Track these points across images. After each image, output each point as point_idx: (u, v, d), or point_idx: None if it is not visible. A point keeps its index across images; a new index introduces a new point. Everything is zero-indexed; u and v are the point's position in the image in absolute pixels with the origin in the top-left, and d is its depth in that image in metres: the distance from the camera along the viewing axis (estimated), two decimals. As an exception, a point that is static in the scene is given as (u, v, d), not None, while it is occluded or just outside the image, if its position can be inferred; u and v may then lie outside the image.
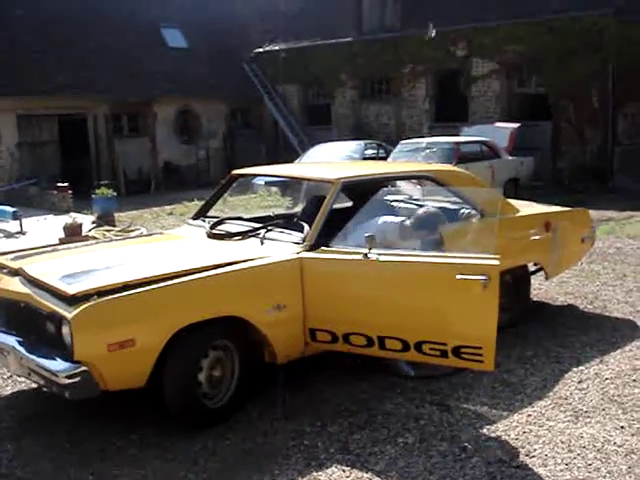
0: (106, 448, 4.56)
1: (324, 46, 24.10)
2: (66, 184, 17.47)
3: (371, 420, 4.83)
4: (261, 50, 26.43)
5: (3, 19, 21.17)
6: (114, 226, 14.33)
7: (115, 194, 15.51)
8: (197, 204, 14.25)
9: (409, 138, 17.83)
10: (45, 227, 14.58)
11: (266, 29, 26.45)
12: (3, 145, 20.26)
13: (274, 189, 17.29)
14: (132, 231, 13.08)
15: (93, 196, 15.17)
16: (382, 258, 4.80)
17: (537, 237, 6.69)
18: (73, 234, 12.16)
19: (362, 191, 6.26)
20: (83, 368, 4.22)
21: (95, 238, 11.72)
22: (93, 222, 14.44)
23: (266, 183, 16.90)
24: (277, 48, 25.96)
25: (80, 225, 12.80)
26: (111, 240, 7.52)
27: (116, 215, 15.16)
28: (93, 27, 22.83)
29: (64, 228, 12.57)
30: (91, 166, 22.04)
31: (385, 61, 22.74)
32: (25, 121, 20.60)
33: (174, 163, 23.94)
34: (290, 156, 20.56)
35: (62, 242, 10.73)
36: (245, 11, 27.17)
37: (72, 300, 4.33)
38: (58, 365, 4.28)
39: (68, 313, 4.24)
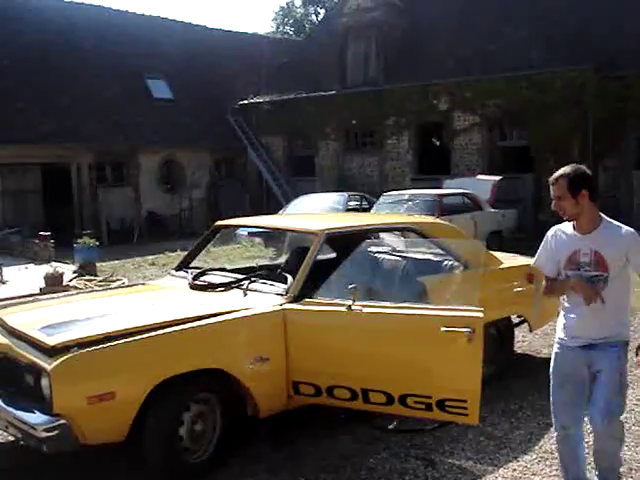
0: (84, 505, 4.45)
1: (308, 98, 24.36)
2: (48, 233, 17.35)
3: (355, 476, 4.75)
4: (245, 102, 26.68)
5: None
6: (96, 276, 14.21)
7: (97, 244, 15.40)
8: (180, 254, 14.20)
9: (392, 190, 17.93)
10: (26, 276, 14.44)
11: (250, 81, 26.76)
12: (-15, 194, 20.19)
13: (257, 240, 17.26)
14: (114, 281, 12.97)
15: (75, 245, 15.07)
16: (366, 310, 4.78)
17: (520, 289, 6.69)
18: (54, 284, 12.05)
19: (345, 243, 6.25)
20: (62, 421, 4.14)
21: (76, 288, 11.62)
22: (74, 272, 14.31)
23: (249, 234, 16.87)
24: (261, 100, 26.23)
25: (61, 275, 12.70)
26: (92, 290, 7.46)
27: (98, 265, 15.04)
28: (78, 76, 22.98)
29: (45, 278, 12.46)
30: (74, 215, 21.97)
31: (368, 114, 23.01)
32: (8, 170, 20.56)
33: (157, 213, 23.92)
34: (274, 207, 20.62)
35: (43, 292, 10.65)
36: (230, 63, 27.51)
37: (52, 351, 4.27)
38: (36, 418, 4.20)
39: (48, 365, 4.17)
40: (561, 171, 3.93)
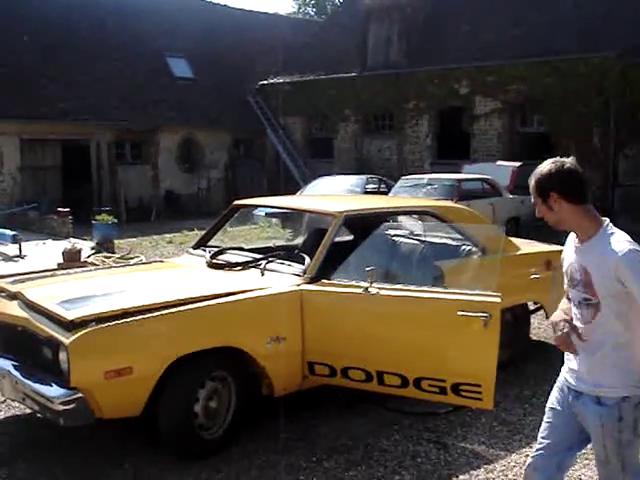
0: (98, 478, 4.50)
1: (328, 80, 24.28)
2: (66, 209, 17.47)
3: (367, 457, 4.77)
4: (265, 82, 26.62)
5: (10, 45, 21.33)
6: (113, 253, 14.30)
7: (115, 221, 15.51)
8: (197, 233, 14.24)
9: (410, 174, 17.87)
10: (44, 252, 14.55)
11: (271, 62, 26.69)
12: (5, 168, 20.30)
13: (274, 220, 17.28)
14: (131, 258, 13.03)
15: (93, 222, 15.16)
16: (383, 292, 4.78)
17: (538, 276, 6.67)
18: (72, 259, 12.12)
19: (363, 225, 6.25)
20: (79, 395, 4.19)
21: (94, 264, 11.68)
22: (92, 248, 14.40)
23: (267, 214, 16.87)
24: (281, 81, 26.17)
25: (79, 251, 12.77)
26: (110, 267, 7.51)
27: (116, 242, 15.14)
28: (99, 55, 23.03)
29: (63, 253, 12.54)
30: (92, 192, 22.06)
31: (388, 97, 22.90)
32: (28, 145, 20.67)
33: (175, 192, 23.98)
34: (291, 188, 20.62)
35: (61, 267, 10.71)
36: (250, 43, 27.44)
37: (70, 326, 4.30)
38: (53, 391, 4.24)
39: (66, 339, 4.21)
40: (534, 172, 3.18)
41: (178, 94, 24.44)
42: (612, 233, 3.03)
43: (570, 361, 3.22)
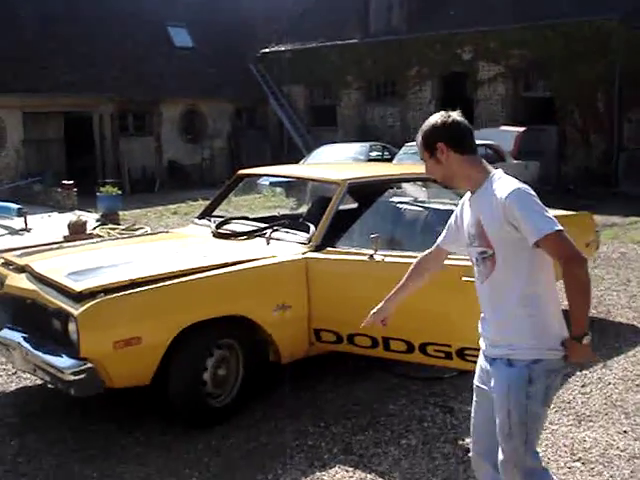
0: (110, 446, 4.57)
1: (330, 47, 24.13)
2: (71, 182, 17.50)
3: (374, 421, 4.84)
4: (267, 50, 26.46)
5: (10, 18, 21.21)
6: (118, 224, 14.35)
7: (120, 192, 15.54)
8: (201, 204, 14.26)
9: (414, 140, 17.79)
10: (50, 224, 14.60)
11: (272, 29, 26.50)
12: (9, 142, 20.29)
13: (278, 190, 17.29)
14: (137, 230, 13.09)
15: (98, 194, 15.21)
16: (387, 259, 4.82)
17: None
18: (78, 232, 12.19)
19: (367, 193, 6.27)
20: (89, 365, 4.24)
21: (99, 236, 11.74)
22: (97, 220, 14.46)
23: (270, 183, 16.89)
24: (283, 49, 26.01)
25: (85, 223, 12.83)
26: (117, 238, 7.55)
27: (120, 213, 15.18)
28: (100, 26, 22.87)
29: (69, 226, 12.60)
30: (96, 164, 22.07)
31: (391, 63, 22.76)
32: (31, 119, 20.63)
33: (179, 162, 23.97)
34: (295, 157, 20.59)
35: (67, 240, 10.77)
36: (251, 11, 27.21)
37: (79, 297, 4.35)
38: (64, 362, 4.30)
39: (75, 310, 4.26)
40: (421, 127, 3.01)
41: (179, 64, 24.32)
42: (500, 178, 2.86)
43: (483, 326, 3.03)
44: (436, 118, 2.94)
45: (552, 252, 2.73)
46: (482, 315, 3.03)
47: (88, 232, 12.54)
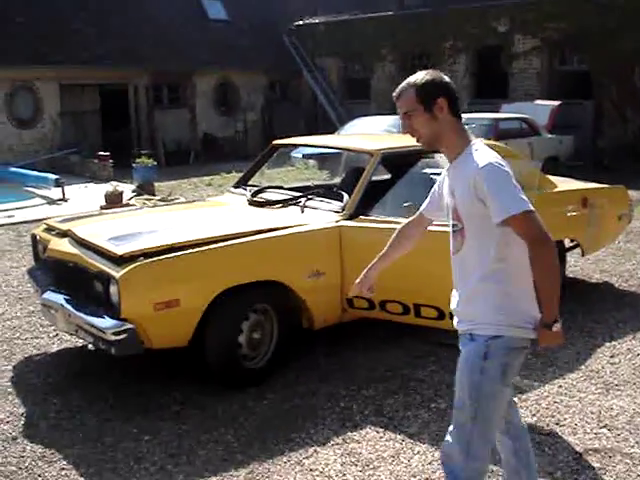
0: (149, 404, 4.75)
1: (364, 20, 24.00)
2: (107, 153, 17.73)
3: (404, 386, 4.95)
4: (301, 23, 26.39)
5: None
6: (154, 195, 14.55)
7: (155, 163, 15.72)
8: (235, 176, 14.38)
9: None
10: (86, 195, 14.86)
11: (306, 1, 26.40)
12: (45, 113, 20.54)
13: (312, 162, 17.34)
14: (172, 200, 13.27)
15: (133, 165, 15.39)
16: (420, 228, 4.89)
17: (574, 213, 6.71)
18: (114, 202, 12.41)
19: (400, 163, 6.33)
20: (129, 326, 4.40)
21: (135, 206, 11.93)
22: (133, 191, 14.66)
23: (304, 156, 16.95)
24: (317, 21, 25.92)
25: (121, 193, 13.05)
26: (155, 205, 7.70)
27: (155, 185, 15.36)
28: (134, -2, 23.00)
29: (105, 196, 12.83)
30: (131, 136, 22.27)
31: (425, 36, 22.60)
32: (67, 91, 20.85)
33: (213, 135, 24.09)
34: (328, 129, 20.58)
35: (104, 209, 10.98)
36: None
37: (120, 260, 4.50)
38: (105, 322, 4.46)
39: (116, 273, 4.41)
40: (407, 80, 2.82)
41: (213, 36, 24.37)
42: (478, 149, 2.74)
43: (453, 301, 2.97)
44: (432, 74, 2.79)
45: (519, 233, 2.63)
46: (454, 289, 2.97)
47: (124, 202, 12.76)
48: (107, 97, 21.60)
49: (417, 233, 3.38)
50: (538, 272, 2.62)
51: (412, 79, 2.78)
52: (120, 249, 4.56)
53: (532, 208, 2.58)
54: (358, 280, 3.44)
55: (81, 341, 5.76)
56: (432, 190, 3.15)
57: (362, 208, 5.33)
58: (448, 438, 2.88)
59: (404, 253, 3.45)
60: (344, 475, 3.86)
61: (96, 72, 20.88)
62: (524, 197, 2.59)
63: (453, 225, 2.85)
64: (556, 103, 17.74)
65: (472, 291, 2.80)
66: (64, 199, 14.19)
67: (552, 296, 2.63)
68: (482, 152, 2.71)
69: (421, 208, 3.26)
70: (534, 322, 2.73)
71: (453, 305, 2.96)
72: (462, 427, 2.80)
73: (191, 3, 24.85)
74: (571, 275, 7.65)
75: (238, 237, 4.84)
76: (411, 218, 3.35)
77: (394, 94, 2.81)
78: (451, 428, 2.88)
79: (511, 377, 2.79)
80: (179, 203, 7.73)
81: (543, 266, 2.60)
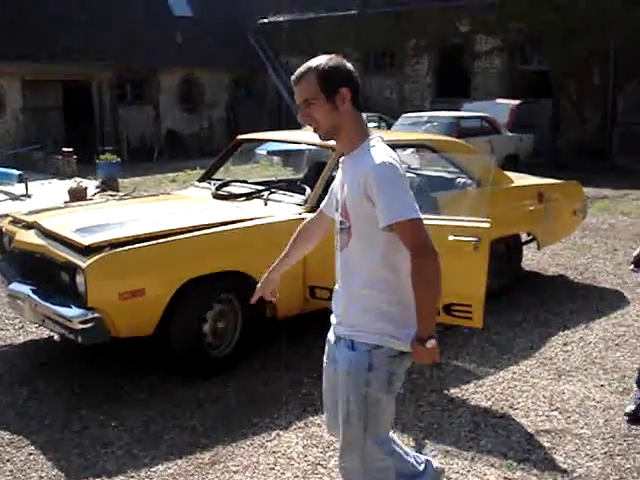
0: (115, 392, 4.84)
1: (328, 18, 24.18)
2: (70, 149, 17.67)
3: (365, 373, 5.10)
4: (266, 21, 26.49)
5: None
6: (118, 191, 14.56)
7: (119, 160, 15.73)
8: (200, 172, 14.42)
9: (411, 112, 18.01)
10: (50, 191, 14.81)
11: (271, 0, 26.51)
12: (8, 110, 20.41)
13: (275, 159, 17.48)
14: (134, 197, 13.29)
15: (97, 161, 15.39)
16: (380, 220, 5.04)
17: (530, 207, 6.93)
18: (78, 198, 12.40)
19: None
20: (96, 315, 4.48)
21: (100, 202, 11.94)
22: (97, 187, 14.67)
23: (268, 152, 17.09)
24: (281, 19, 26.04)
25: (85, 189, 13.05)
26: (121, 199, 7.77)
27: (119, 181, 15.38)
28: (99, -6, 22.92)
29: (69, 192, 12.82)
30: (94, 132, 22.20)
31: (389, 35, 22.83)
32: (30, 86, 20.73)
33: (177, 132, 24.10)
34: (293, 127, 20.71)
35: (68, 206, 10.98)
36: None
37: (86, 251, 4.59)
38: (72, 311, 4.53)
39: (82, 263, 4.50)
40: (308, 64, 2.61)
41: (178, 33, 24.35)
42: (374, 146, 2.56)
43: (334, 300, 2.83)
44: (335, 60, 2.60)
45: (403, 240, 2.48)
46: (336, 287, 2.83)
47: (88, 198, 12.75)
48: (71, 93, 21.50)
49: (319, 232, 3.13)
50: (418, 284, 2.47)
51: (314, 63, 2.58)
52: (86, 240, 4.65)
53: (420, 216, 2.45)
54: (260, 284, 3.21)
55: (47, 333, 5.83)
56: (330, 187, 2.94)
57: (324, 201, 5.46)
58: (343, 459, 2.80)
59: (306, 253, 3.25)
60: (306, 456, 4.00)
61: (59, 68, 20.78)
62: (414, 204, 2.45)
63: (340, 222, 2.65)
64: (516, 102, 18.09)
65: (355, 294, 2.64)
66: (27, 195, 14.13)
67: (430, 310, 2.52)
68: (379, 149, 2.54)
69: (321, 205, 3.06)
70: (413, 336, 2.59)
71: (333, 305, 2.82)
72: (355, 439, 2.70)
73: (157, 0, 24.79)
74: (528, 268, 7.87)
75: (203, 229, 4.95)
76: (312, 216, 3.16)
77: (293, 77, 2.60)
78: (341, 445, 2.79)
79: (397, 385, 2.69)
80: (144, 196, 7.79)
81: (424, 278, 2.46)
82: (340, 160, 2.74)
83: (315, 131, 2.62)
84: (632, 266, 4.30)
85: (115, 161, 15.35)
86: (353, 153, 2.61)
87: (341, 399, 2.68)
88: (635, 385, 4.30)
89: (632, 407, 4.31)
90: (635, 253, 4.28)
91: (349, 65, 2.62)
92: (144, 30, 23.45)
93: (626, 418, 4.29)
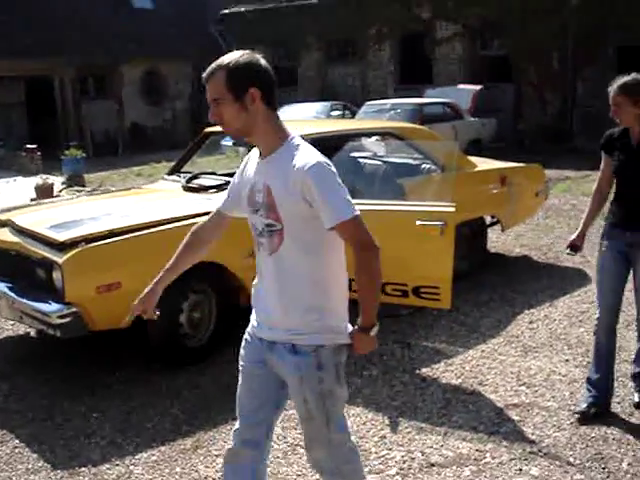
0: (95, 385, 4.93)
1: (289, 8, 24.19)
2: (34, 146, 17.55)
3: (339, 357, 5.25)
4: (227, 11, 26.43)
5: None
6: (84, 187, 14.53)
7: (84, 155, 15.68)
8: (165, 165, 14.48)
9: (374, 99, 18.16)
10: (15, 188, 14.73)
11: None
12: (-31, 107, 20.20)
13: (241, 149, 17.46)
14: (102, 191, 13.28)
15: (62, 157, 15.32)
16: (349, 207, 5.18)
17: (494, 191, 7.12)
18: (45, 195, 12.37)
19: (328, 147, 6.58)
20: (73, 309, 4.57)
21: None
22: (63, 183, 14.62)
23: (234, 143, 17.10)
24: (242, 10, 26.00)
25: (52, 186, 13.02)
26: (92, 194, 7.82)
27: (85, 176, 15.34)
28: (57, -13, 22.69)
29: (36, 189, 12.78)
30: (58, 128, 22.04)
31: (350, 23, 22.91)
32: (-10, 83, 20.55)
33: (141, 125, 24.01)
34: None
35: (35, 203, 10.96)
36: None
37: (62, 247, 4.67)
38: (50, 307, 4.62)
39: (59, 258, 4.58)
40: (218, 61, 2.50)
41: (139, 25, 24.24)
42: (299, 145, 2.52)
43: (259, 303, 2.74)
44: (246, 57, 2.49)
45: (347, 237, 2.51)
46: (257, 288, 2.76)
47: (55, 195, 12.73)
48: (33, 89, 21.32)
49: (218, 234, 2.96)
50: (363, 277, 2.49)
51: (224, 60, 2.47)
52: (61, 236, 4.73)
53: (359, 212, 2.46)
54: (141, 296, 2.93)
55: (23, 329, 5.89)
56: (230, 185, 2.83)
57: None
58: (310, 452, 2.84)
59: (197, 261, 3.04)
60: (285, 437, 4.14)
61: (21, 64, 20.57)
62: (350, 199, 2.46)
63: (269, 225, 2.55)
64: (477, 87, 18.33)
65: (294, 296, 2.59)
66: (-8, 193, 14.05)
67: (374, 301, 2.55)
68: (306, 150, 2.50)
69: (219, 206, 2.87)
70: (349, 328, 2.66)
71: (258, 308, 2.75)
72: (319, 433, 2.74)
73: (116, -8, 24.67)
74: (493, 250, 8.07)
75: (175, 221, 5.05)
76: (207, 219, 2.93)
77: (204, 75, 2.51)
78: (306, 442, 2.83)
79: (343, 373, 2.69)
80: (116, 191, 7.85)
81: (369, 271, 2.49)
82: (253, 159, 2.65)
83: (226, 132, 2.59)
84: (568, 250, 4.46)
85: (80, 157, 15.30)
86: (274, 154, 2.53)
87: (297, 402, 2.71)
88: (586, 384, 4.36)
89: (584, 406, 4.27)
90: (571, 238, 4.41)
91: (262, 62, 2.50)
92: (105, 23, 23.27)
93: (577, 416, 4.22)
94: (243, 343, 2.83)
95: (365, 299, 2.54)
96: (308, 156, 2.45)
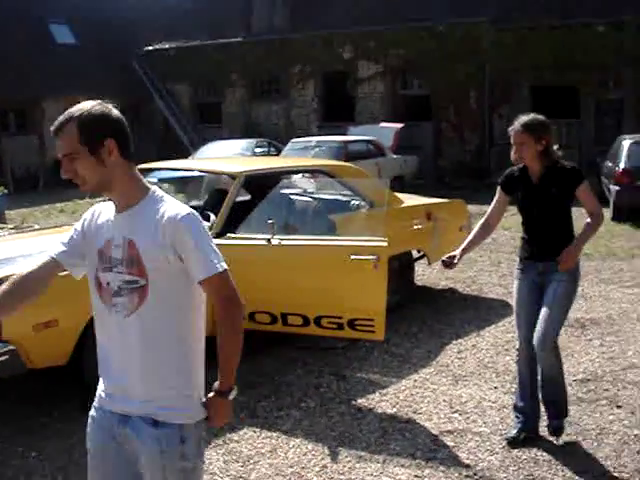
0: (31, 425, 4.86)
1: (213, 45, 24.41)
2: (-49, 182, 17.12)
3: (276, 389, 5.34)
4: (150, 48, 26.44)
5: None
6: (5, 224, 14.21)
7: (5, 191, 15.37)
8: (89, 202, 14.28)
9: (299, 137, 18.42)
10: None
11: (156, 27, 26.48)
12: None
13: (166, 186, 17.45)
14: (27, 228, 13.04)
15: (-18, 194, 14.97)
16: (283, 242, 5.32)
17: (420, 226, 7.36)
18: (-35, 232, 12.07)
19: (261, 184, 6.74)
20: (10, 347, 4.54)
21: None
22: (-17, 220, 14.28)
23: (159, 180, 17.04)
24: (166, 47, 26.07)
25: (-28, 223, 12.70)
26: (22, 232, 7.72)
27: (6, 213, 15.02)
28: (-23, 23, 22.32)
29: (-44, 226, 12.45)
30: (-24, 164, 21.55)
31: (274, 62, 23.27)
32: None
33: (62, 161, 23.64)
34: (181, 154, 20.75)
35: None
36: (135, 8, 27.09)
37: (-2, 284, 4.62)
38: (-14, 345, 4.57)
39: (-6, 297, 4.53)
40: (68, 113, 2.33)
41: (61, 61, 24.00)
42: (163, 197, 2.37)
43: (110, 373, 2.45)
44: (98, 109, 2.32)
45: (215, 291, 2.34)
46: (106, 355, 2.46)
47: (-25, 232, 12.43)
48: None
49: (50, 282, 2.61)
50: (227, 335, 2.34)
51: (75, 111, 2.31)
52: (-4, 274, 4.69)
53: (227, 267, 2.35)
54: None
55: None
56: (70, 236, 2.53)
57: (228, 227, 5.68)
58: None
59: (26, 306, 2.61)
60: (227, 471, 4.19)
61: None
62: (219, 251, 2.36)
63: (129, 282, 2.33)
64: (399, 125, 18.80)
65: (158, 366, 2.36)
66: None
67: (236, 361, 2.38)
68: (172, 202, 2.35)
69: (53, 254, 2.52)
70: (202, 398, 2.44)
71: (109, 378, 2.45)
72: None
73: (37, 27, 24.37)
74: (420, 283, 8.31)
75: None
76: (33, 267, 2.53)
77: (52, 128, 2.33)
78: None
79: (204, 449, 2.52)
80: (49, 227, 7.78)
81: (234, 327, 2.35)
82: (106, 212, 2.44)
83: (82, 188, 2.36)
84: (442, 264, 4.55)
85: (1, 193, 15.00)
86: (137, 206, 2.35)
87: (153, 478, 2.40)
88: (513, 411, 4.55)
89: (514, 432, 4.44)
90: (444, 257, 4.47)
91: (115, 112, 2.35)
92: (25, 58, 22.95)
93: (507, 440, 4.38)
94: (89, 421, 2.54)
95: (228, 358, 2.35)
96: (177, 207, 2.32)
